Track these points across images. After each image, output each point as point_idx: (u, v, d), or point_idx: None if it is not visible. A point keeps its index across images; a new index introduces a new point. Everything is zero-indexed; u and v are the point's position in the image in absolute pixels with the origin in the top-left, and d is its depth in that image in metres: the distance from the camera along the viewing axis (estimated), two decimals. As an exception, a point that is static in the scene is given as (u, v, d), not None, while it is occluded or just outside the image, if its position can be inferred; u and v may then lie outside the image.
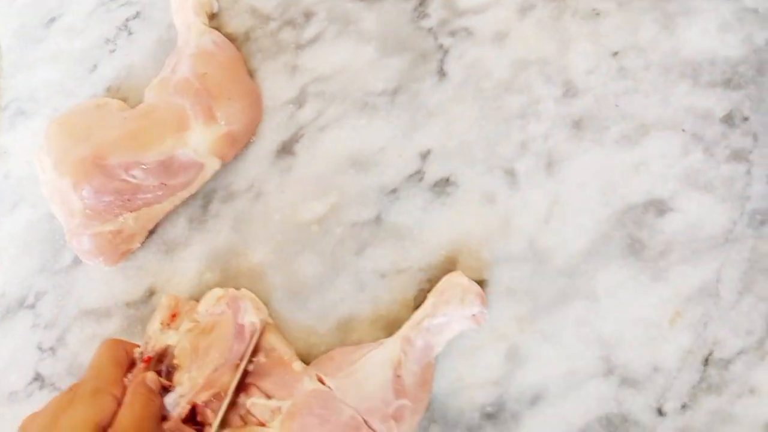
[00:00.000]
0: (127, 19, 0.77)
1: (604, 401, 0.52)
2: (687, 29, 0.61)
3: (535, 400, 0.53)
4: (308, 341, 0.59)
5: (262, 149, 0.66)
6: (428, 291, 0.58)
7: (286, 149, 0.66)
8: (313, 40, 0.70)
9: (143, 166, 0.63)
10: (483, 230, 0.59)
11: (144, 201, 0.63)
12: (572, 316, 0.55)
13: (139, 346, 0.57)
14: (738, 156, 0.56)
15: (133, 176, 0.62)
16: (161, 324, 0.59)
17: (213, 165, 0.65)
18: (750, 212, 0.54)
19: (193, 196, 0.66)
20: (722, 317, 0.52)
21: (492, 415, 0.54)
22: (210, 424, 0.55)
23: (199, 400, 0.55)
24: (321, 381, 0.55)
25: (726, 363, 0.51)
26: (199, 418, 0.55)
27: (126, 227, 0.63)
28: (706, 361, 0.51)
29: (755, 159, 0.55)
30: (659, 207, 0.56)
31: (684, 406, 0.50)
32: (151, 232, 0.66)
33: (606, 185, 0.58)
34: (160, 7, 0.76)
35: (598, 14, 0.63)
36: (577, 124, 0.60)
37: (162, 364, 0.57)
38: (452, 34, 0.66)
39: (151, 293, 0.64)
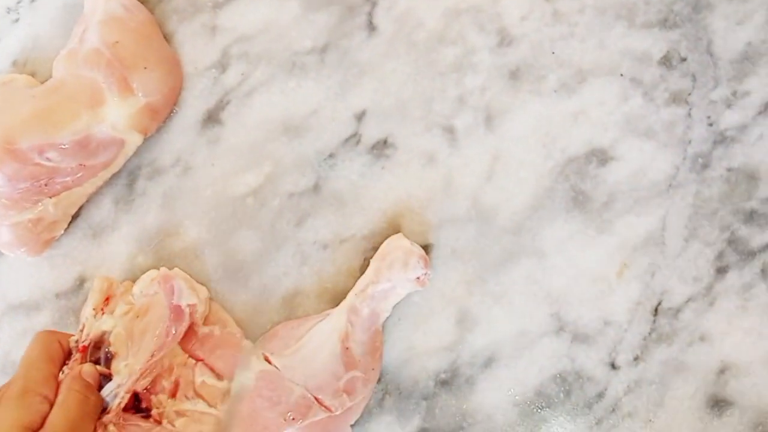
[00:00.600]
0: (27, -16, 0.71)
1: (557, 359, 0.52)
2: (620, -33, 0.59)
3: (488, 362, 0.53)
4: (253, 320, 0.57)
5: (186, 120, 0.63)
6: (373, 259, 0.56)
7: (212, 118, 0.62)
8: (232, -3, 0.66)
9: (59, 147, 0.58)
10: (425, 192, 0.57)
11: (63, 185, 0.59)
12: (520, 275, 0.54)
13: (74, 335, 0.54)
14: (677, 98, 0.55)
15: (48, 159, 0.58)
16: (94, 309, 0.56)
17: (134, 140, 0.61)
18: (692, 156, 0.53)
19: (116, 175, 0.62)
20: (669, 266, 0.51)
21: (446, 381, 0.53)
22: (154, 409, 0.53)
23: (140, 387, 0.52)
24: (267, 360, 0.54)
25: (675, 312, 0.51)
26: (144, 405, 0.53)
27: (46, 214, 0.59)
28: (655, 312, 0.51)
29: (695, 101, 0.54)
30: (601, 156, 0.55)
31: (636, 359, 0.50)
32: (75, 217, 0.62)
33: (546, 137, 0.56)
34: (62, -31, 0.70)
35: (529, -45, 0.60)
36: (514, 75, 0.58)
37: (99, 351, 0.54)
38: (379, -17, 0.63)
39: (81, 282, 0.61)
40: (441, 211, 0.56)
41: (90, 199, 0.62)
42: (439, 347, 0.54)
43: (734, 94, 0.53)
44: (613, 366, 0.51)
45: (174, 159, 0.61)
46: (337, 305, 0.56)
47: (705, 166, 0.53)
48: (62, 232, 0.61)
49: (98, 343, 0.54)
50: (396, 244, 0.54)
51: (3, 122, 0.58)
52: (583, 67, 0.57)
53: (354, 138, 0.59)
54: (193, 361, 0.55)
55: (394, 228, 0.56)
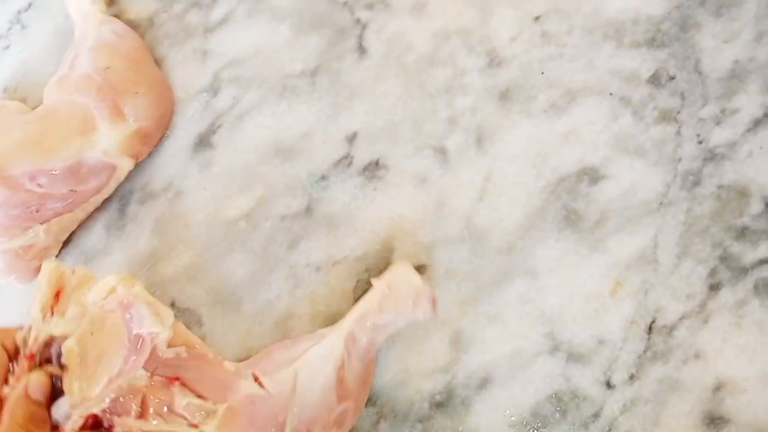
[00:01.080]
0: (20, 12, 0.72)
1: (552, 379, 0.51)
2: (607, -12, 0.59)
3: (483, 383, 0.52)
4: (246, 344, 0.57)
5: (178, 144, 0.63)
6: (367, 281, 0.56)
7: (203, 142, 0.62)
8: (223, 22, 0.66)
9: (50, 174, 0.58)
10: (417, 213, 0.57)
11: (54, 211, 0.59)
12: (514, 295, 0.53)
13: (20, 330, 0.49)
14: (667, 117, 0.55)
15: (40, 185, 0.58)
16: (43, 310, 0.49)
17: (126, 165, 0.61)
18: (682, 174, 0.53)
19: (108, 201, 0.62)
20: (662, 283, 0.51)
21: (441, 403, 0.52)
22: (118, 428, 0.49)
23: (97, 410, 0.49)
24: (257, 379, 0.53)
25: (669, 329, 0.50)
26: (106, 425, 0.50)
27: (37, 241, 0.59)
28: (649, 329, 0.51)
29: (684, 119, 0.54)
30: (592, 175, 0.55)
31: (632, 377, 0.50)
32: (66, 243, 0.61)
33: (537, 157, 0.56)
34: (53, -5, 0.70)
35: (517, -23, 0.61)
36: (504, 95, 0.58)
37: (50, 348, 0.49)
38: (369, 6, 0.63)
39: (73, 308, 0.60)
40: (434, 232, 0.56)
41: (81, 225, 0.62)
42: (433, 369, 0.53)
43: (723, 111, 0.54)
44: (608, 385, 0.50)
45: (166, 183, 0.61)
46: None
47: (696, 183, 0.53)
48: (54, 258, 0.60)
49: (48, 344, 0.49)
50: (405, 277, 0.52)
51: (-6, 149, 0.58)
52: (572, 87, 0.57)
53: (346, 160, 0.59)
54: (162, 380, 0.51)
55: (387, 249, 0.56)
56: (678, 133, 0.54)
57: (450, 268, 0.55)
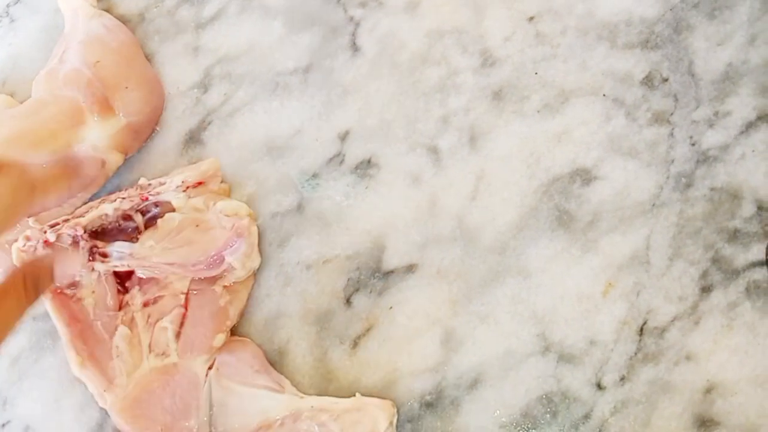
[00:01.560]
0: (8, 5, 0.71)
1: (543, 379, 0.51)
2: (601, -11, 0.59)
3: (474, 384, 0.52)
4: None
5: (168, 140, 0.62)
6: (358, 280, 0.55)
7: (194, 138, 0.62)
8: (215, 18, 0.66)
9: (38, 168, 0.57)
10: (409, 212, 0.56)
11: (41, 205, 0.58)
12: (506, 295, 0.53)
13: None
14: (660, 118, 0.55)
15: (27, 179, 0.57)
16: (183, 184, 0.56)
17: (115, 160, 0.60)
18: (675, 175, 0.53)
19: (96, 196, 0.61)
20: (654, 285, 0.51)
21: (431, 403, 0.52)
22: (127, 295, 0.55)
23: (141, 272, 0.55)
24: (210, 367, 0.54)
25: (661, 331, 0.50)
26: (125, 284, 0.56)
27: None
28: (641, 331, 0.51)
29: (677, 120, 0.54)
30: (584, 176, 0.55)
31: (623, 379, 0.50)
32: (54, 239, 0.61)
33: (530, 157, 0.56)
34: (43, -11, 0.69)
35: (511, -22, 0.61)
36: (498, 95, 0.58)
37: (157, 206, 0.56)
38: (362, 4, 0.63)
39: (59, 304, 0.59)
40: (425, 231, 0.56)
41: (69, 220, 0.61)
42: (423, 368, 0.53)
43: (716, 114, 0.54)
44: (599, 386, 0.50)
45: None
46: (320, 327, 0.55)
47: (688, 185, 0.53)
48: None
49: (161, 203, 0.56)
50: (378, 416, 0.51)
51: (-19, 142, 0.58)
52: (565, 88, 0.57)
53: (338, 158, 0.59)
54: (183, 301, 0.55)
55: (378, 247, 0.56)
56: (671, 134, 0.54)
57: (442, 268, 0.55)
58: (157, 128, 0.62)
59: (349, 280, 0.56)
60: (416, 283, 0.55)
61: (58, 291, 0.55)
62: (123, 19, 0.66)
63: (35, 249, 0.54)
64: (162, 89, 0.63)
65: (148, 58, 0.65)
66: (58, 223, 0.55)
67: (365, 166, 0.58)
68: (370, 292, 0.55)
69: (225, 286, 0.55)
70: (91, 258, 0.54)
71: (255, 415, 0.51)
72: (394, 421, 0.51)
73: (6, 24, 0.70)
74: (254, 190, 0.59)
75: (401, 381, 0.53)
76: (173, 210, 0.56)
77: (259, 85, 0.62)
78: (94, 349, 0.54)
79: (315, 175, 0.59)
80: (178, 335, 0.54)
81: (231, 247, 0.55)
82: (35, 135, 0.58)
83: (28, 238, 0.54)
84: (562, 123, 0.56)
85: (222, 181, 0.59)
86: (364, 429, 0.50)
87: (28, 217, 0.58)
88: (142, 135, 0.61)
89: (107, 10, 0.66)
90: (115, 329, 0.55)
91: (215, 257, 0.54)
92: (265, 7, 0.65)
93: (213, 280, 0.55)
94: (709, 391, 0.49)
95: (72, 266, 0.54)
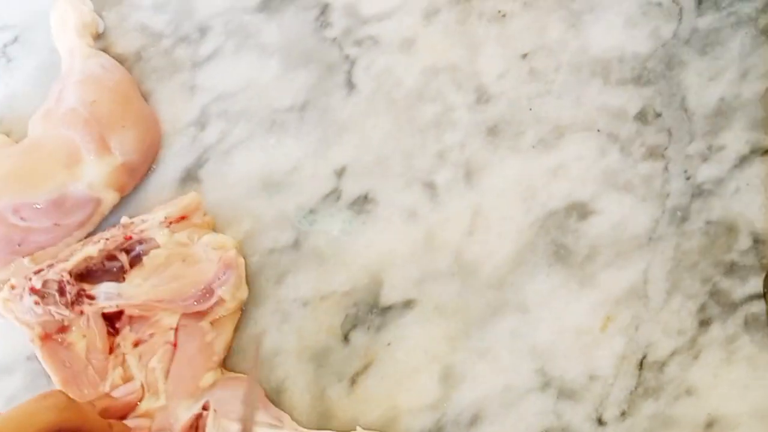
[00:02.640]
0: (5, 45, 0.71)
1: (544, 415, 0.51)
2: (593, 26, 0.60)
3: (474, 420, 0.51)
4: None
5: (164, 178, 0.62)
6: (355, 316, 0.55)
7: (190, 176, 0.62)
8: (211, 57, 0.66)
9: (33, 207, 0.57)
10: (407, 247, 0.56)
11: (37, 244, 0.58)
12: (504, 330, 0.53)
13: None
14: (654, 153, 0.55)
15: (23, 219, 0.57)
16: (166, 219, 0.56)
17: (111, 199, 0.60)
18: (671, 209, 0.54)
19: (92, 234, 0.60)
20: (653, 319, 0.51)
21: (431, 441, 0.52)
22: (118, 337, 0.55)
23: (132, 311, 0.55)
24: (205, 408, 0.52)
25: (661, 365, 0.50)
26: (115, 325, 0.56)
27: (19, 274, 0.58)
28: (640, 365, 0.50)
29: (671, 155, 0.55)
30: (581, 210, 0.55)
31: (623, 414, 0.50)
32: (49, 277, 0.60)
33: (526, 192, 0.56)
34: (40, 29, 0.70)
35: (504, 16, 0.62)
36: (493, 131, 0.58)
37: (140, 244, 0.56)
38: (358, 43, 0.63)
39: (53, 344, 0.59)
40: (423, 266, 0.56)
41: (64, 259, 0.60)
42: (423, 405, 0.52)
43: (709, 148, 0.54)
44: (600, 421, 0.50)
45: (151, 217, 0.61)
46: (317, 364, 0.55)
47: (684, 219, 0.53)
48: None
49: (144, 240, 0.56)
50: None
51: (-23, 181, 0.58)
52: (560, 123, 0.58)
53: (334, 194, 0.59)
54: (171, 338, 0.54)
55: (375, 283, 0.56)
56: (665, 169, 0.55)
57: (440, 303, 0.55)
58: (154, 166, 0.62)
59: (346, 316, 0.56)
60: (414, 319, 0.54)
61: (48, 336, 0.54)
62: (120, 59, 0.66)
63: (21, 297, 0.53)
64: (159, 128, 0.63)
65: (145, 96, 0.65)
66: (42, 269, 0.54)
67: (362, 202, 0.58)
68: (368, 328, 0.55)
69: (211, 322, 0.55)
70: (78, 301, 0.54)
71: None
72: None
73: (3, 63, 0.70)
74: (251, 226, 0.59)
75: (401, 418, 0.52)
76: (158, 246, 0.56)
77: (256, 122, 0.63)
78: (89, 394, 0.53)
79: (312, 211, 0.59)
80: (167, 374, 0.53)
81: (220, 278, 0.54)
82: (31, 174, 0.58)
83: (13, 287, 0.53)
84: (557, 158, 0.57)
85: (204, 214, 0.59)
86: None
87: (24, 257, 0.57)
88: (138, 173, 0.61)
89: (104, 50, 0.67)
90: (106, 372, 0.54)
91: (205, 290, 0.54)
92: (261, 46, 0.65)
93: (200, 316, 0.55)
94: (710, 425, 0.49)
95: None
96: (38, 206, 0.57)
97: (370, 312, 0.55)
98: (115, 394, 0.52)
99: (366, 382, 0.54)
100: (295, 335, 0.56)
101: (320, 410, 0.54)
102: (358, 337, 0.55)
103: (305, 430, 0.52)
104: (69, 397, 0.44)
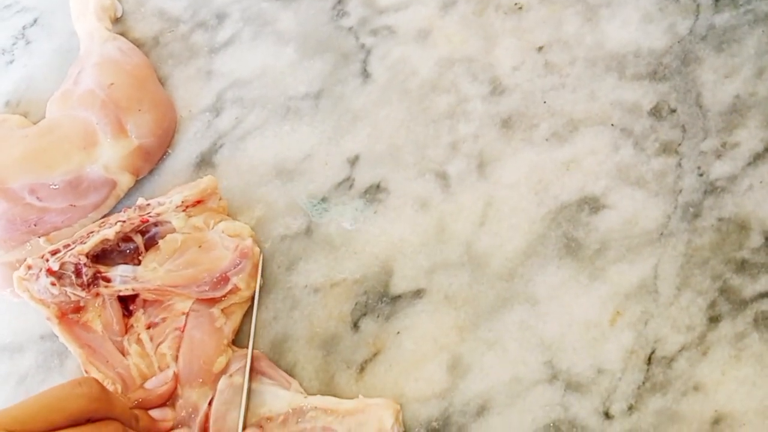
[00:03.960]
0: (24, 27, 0.72)
1: (551, 408, 0.51)
2: (610, 21, 0.60)
3: (481, 411, 0.52)
4: (241, 365, 0.56)
5: (179, 162, 0.63)
6: (365, 304, 0.55)
7: (205, 161, 0.62)
8: (228, 43, 0.67)
9: (50, 187, 0.58)
10: (418, 237, 0.57)
11: (53, 225, 0.59)
12: (513, 321, 0.53)
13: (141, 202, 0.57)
14: (667, 149, 0.55)
15: (39, 199, 0.58)
16: (183, 203, 0.56)
17: (126, 181, 0.60)
18: (683, 205, 0.53)
19: (107, 216, 0.61)
20: (662, 314, 0.51)
21: (438, 430, 0.52)
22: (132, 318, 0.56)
23: (146, 295, 0.56)
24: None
25: (669, 361, 0.50)
26: (130, 307, 0.56)
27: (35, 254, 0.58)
28: (649, 360, 0.51)
29: (685, 151, 0.55)
30: (593, 204, 0.55)
31: (630, 408, 0.50)
32: (63, 258, 0.61)
33: (538, 184, 0.56)
34: (60, 13, 0.70)
35: (520, 8, 0.62)
36: (506, 123, 0.58)
37: (156, 226, 0.56)
38: (374, 33, 0.64)
39: (66, 324, 0.59)
40: (434, 256, 0.56)
41: (79, 240, 0.61)
42: (430, 394, 0.53)
43: (723, 145, 0.54)
44: (607, 415, 0.50)
45: (165, 201, 0.61)
46: (326, 351, 0.55)
47: (696, 215, 0.53)
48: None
49: (161, 222, 0.56)
50: (381, 415, 0.51)
51: (-6, 161, 0.58)
52: (574, 117, 0.58)
53: (347, 182, 0.59)
54: (182, 323, 0.55)
55: (386, 272, 0.56)
56: (679, 165, 0.55)
57: (449, 293, 0.55)
58: (169, 150, 0.63)
59: (356, 304, 0.56)
60: (424, 308, 0.55)
61: (64, 315, 0.55)
62: (137, 43, 0.67)
63: (37, 277, 0.54)
64: (174, 112, 0.64)
65: (162, 81, 0.65)
66: (59, 250, 0.55)
67: (374, 191, 0.59)
68: (378, 316, 0.55)
69: (223, 309, 0.55)
70: (94, 283, 0.55)
71: (257, 407, 0.51)
72: (400, 417, 0.51)
73: (22, 46, 0.71)
74: (263, 213, 0.60)
75: (408, 407, 0.53)
76: (173, 230, 0.56)
77: (271, 109, 0.63)
78: (114, 367, 0.54)
79: (324, 199, 0.59)
80: (176, 359, 0.54)
81: (236, 267, 0.55)
82: (48, 155, 0.59)
83: (29, 267, 0.54)
84: (570, 152, 0.57)
85: (220, 199, 0.59)
86: (371, 429, 0.49)
87: (39, 237, 0.58)
88: (153, 157, 0.62)
89: (122, 34, 0.67)
90: (123, 353, 0.55)
91: (220, 278, 0.55)
92: (278, 34, 0.66)
93: (213, 302, 0.55)
94: (717, 422, 0.49)
95: None
96: (55, 187, 0.58)
97: (380, 300, 0.56)
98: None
99: (374, 370, 0.54)
100: (305, 322, 0.56)
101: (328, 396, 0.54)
102: (367, 325, 0.55)
103: (308, 395, 0.52)
104: (102, 386, 0.44)
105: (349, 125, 0.61)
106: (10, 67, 0.70)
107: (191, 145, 0.63)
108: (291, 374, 0.55)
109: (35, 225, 0.58)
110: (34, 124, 0.63)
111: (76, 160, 0.59)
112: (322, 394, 0.54)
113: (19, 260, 0.57)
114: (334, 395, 0.54)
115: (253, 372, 0.53)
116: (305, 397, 0.52)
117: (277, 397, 0.52)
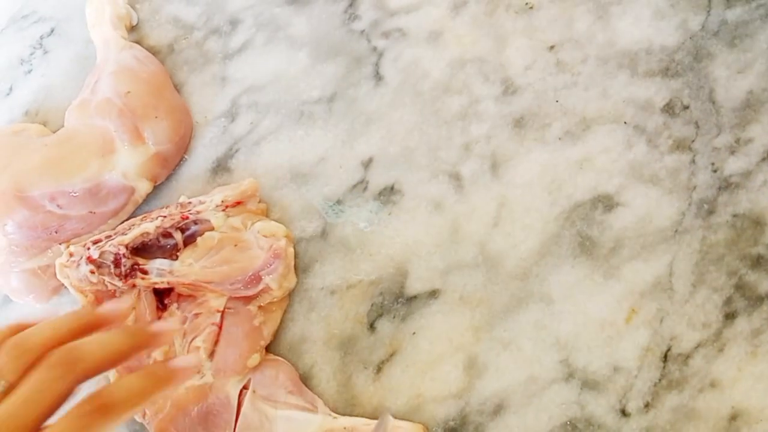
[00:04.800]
0: (42, 37, 0.73)
1: (567, 406, 0.51)
2: (621, 19, 0.60)
3: (497, 410, 0.52)
4: (259, 367, 0.57)
5: (196, 167, 0.63)
6: (381, 305, 0.56)
7: (221, 166, 0.63)
8: (242, 49, 0.67)
9: (69, 195, 0.59)
10: (432, 238, 0.57)
11: (73, 232, 0.60)
12: (528, 321, 0.54)
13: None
14: (681, 145, 0.55)
15: (59, 206, 0.59)
16: (222, 202, 0.57)
17: (144, 188, 0.61)
18: (697, 202, 0.53)
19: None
20: (677, 311, 0.51)
21: (455, 429, 0.52)
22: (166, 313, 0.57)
23: (180, 289, 0.57)
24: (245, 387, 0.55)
25: (685, 358, 0.50)
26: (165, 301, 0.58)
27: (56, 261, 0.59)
28: (665, 358, 0.51)
29: (698, 148, 0.55)
30: (606, 203, 0.55)
31: (647, 405, 0.50)
32: (84, 264, 0.62)
33: (552, 184, 0.57)
34: (76, 21, 0.72)
35: (531, 8, 0.62)
36: (519, 123, 0.59)
37: (195, 224, 0.57)
38: (385, 35, 0.64)
39: (88, 329, 0.60)
40: (448, 257, 0.56)
41: (99, 246, 0.62)
42: (447, 394, 0.53)
43: (737, 141, 0.54)
44: (623, 413, 0.50)
45: (183, 206, 0.62)
46: (344, 352, 0.55)
47: (710, 212, 0.53)
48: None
49: (200, 220, 0.57)
50: None
51: (15, 170, 0.59)
52: (587, 116, 0.58)
53: (361, 185, 0.60)
54: (218, 319, 0.56)
55: (401, 273, 0.56)
56: (692, 161, 0.55)
57: (464, 294, 0.55)
58: (186, 156, 0.64)
59: (372, 305, 0.56)
60: (439, 308, 0.55)
61: (100, 302, 0.56)
62: (153, 51, 0.68)
63: (78, 264, 0.55)
64: (190, 118, 0.65)
65: (177, 88, 0.66)
66: (100, 240, 0.56)
67: (388, 193, 0.59)
68: (394, 317, 0.56)
69: (260, 307, 0.56)
70: (131, 275, 0.56)
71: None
72: None
73: (39, 55, 0.72)
74: (279, 216, 0.60)
75: (425, 406, 0.53)
76: (212, 228, 0.57)
77: (285, 114, 0.64)
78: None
79: (339, 202, 0.60)
80: (211, 354, 0.55)
81: (269, 267, 0.55)
82: (67, 163, 0.60)
83: (71, 254, 0.55)
84: (583, 150, 0.57)
85: (260, 201, 0.60)
86: None
87: (60, 244, 0.59)
88: (170, 163, 0.63)
89: (138, 42, 0.68)
90: None
91: (253, 277, 0.55)
92: (290, 38, 0.66)
93: (249, 299, 0.56)
94: (734, 418, 0.49)
95: None
96: (74, 194, 0.59)
97: (396, 301, 0.56)
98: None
99: (391, 371, 0.55)
100: (322, 323, 0.57)
101: (346, 397, 0.55)
102: (383, 325, 0.56)
103: (337, 415, 0.53)
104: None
105: (363, 128, 0.61)
106: (28, 76, 0.72)
107: (207, 151, 0.64)
108: (309, 375, 0.56)
109: (56, 232, 0.59)
110: (53, 132, 0.64)
111: (94, 167, 0.59)
112: (340, 395, 0.54)
113: (41, 267, 0.58)
114: (352, 396, 0.55)
115: (278, 388, 0.54)
116: (335, 418, 0.52)
117: (309, 423, 0.52)
